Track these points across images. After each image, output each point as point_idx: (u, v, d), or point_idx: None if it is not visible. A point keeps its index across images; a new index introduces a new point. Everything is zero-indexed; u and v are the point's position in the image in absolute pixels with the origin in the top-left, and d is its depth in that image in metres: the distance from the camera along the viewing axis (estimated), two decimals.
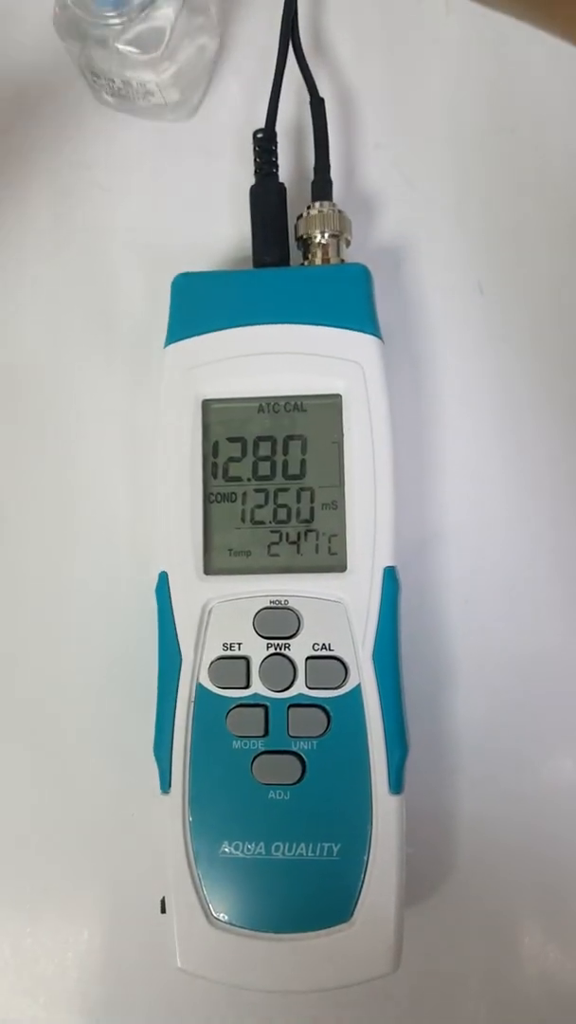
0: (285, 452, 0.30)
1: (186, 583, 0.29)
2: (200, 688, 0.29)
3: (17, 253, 0.36)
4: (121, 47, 0.32)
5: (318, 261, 0.32)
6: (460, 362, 0.34)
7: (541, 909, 0.31)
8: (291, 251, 0.33)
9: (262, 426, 0.30)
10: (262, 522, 0.30)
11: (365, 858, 0.28)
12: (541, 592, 0.33)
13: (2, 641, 0.34)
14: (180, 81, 0.34)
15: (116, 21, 0.31)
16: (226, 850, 0.28)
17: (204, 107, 0.36)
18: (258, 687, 0.29)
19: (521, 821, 0.32)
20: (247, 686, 0.29)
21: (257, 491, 0.30)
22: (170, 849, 0.28)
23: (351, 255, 0.33)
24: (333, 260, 0.32)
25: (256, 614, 0.29)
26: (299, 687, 0.29)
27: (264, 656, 0.29)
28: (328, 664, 0.29)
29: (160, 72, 0.32)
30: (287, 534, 0.30)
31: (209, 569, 0.30)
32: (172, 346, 0.31)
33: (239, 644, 0.29)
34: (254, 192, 0.33)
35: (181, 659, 0.29)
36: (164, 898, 0.28)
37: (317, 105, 0.34)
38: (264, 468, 0.30)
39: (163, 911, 0.28)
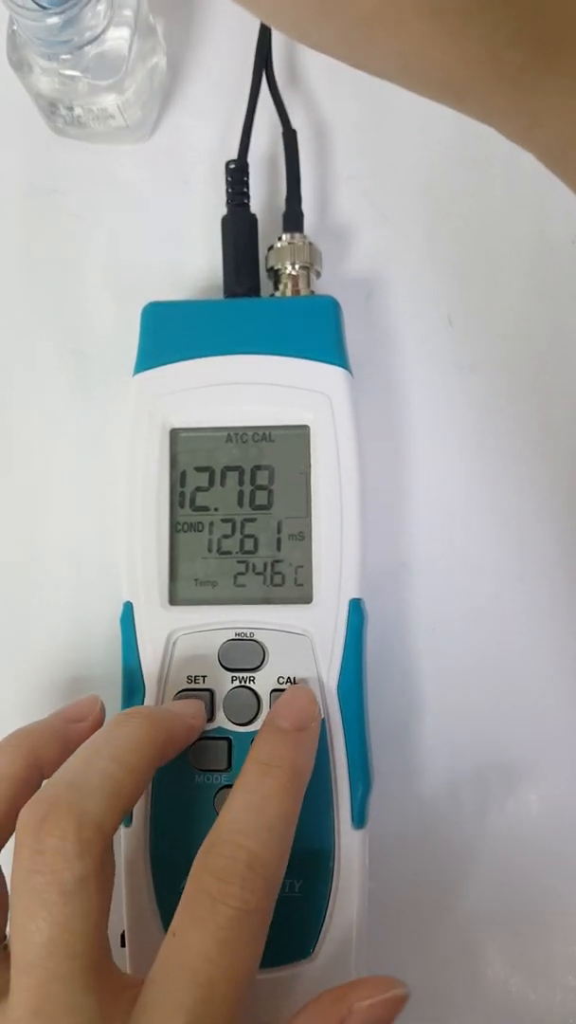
0: (253, 482, 0.30)
1: (151, 613, 0.29)
2: None
3: None
4: (82, 75, 0.32)
5: (288, 292, 0.32)
6: (429, 394, 0.34)
7: (506, 942, 0.31)
8: (261, 282, 0.33)
9: (230, 456, 0.30)
10: (229, 552, 0.30)
11: (327, 894, 0.28)
12: (507, 622, 0.33)
13: None
14: (140, 99, 0.34)
15: (69, 54, 0.31)
16: None
17: (176, 136, 0.36)
18: (222, 720, 0.29)
19: (486, 853, 0.32)
20: (211, 719, 0.29)
21: (224, 521, 0.30)
22: (130, 883, 0.28)
23: (321, 286, 0.33)
24: (303, 291, 0.32)
25: (221, 646, 0.29)
26: (263, 720, 0.28)
27: (228, 689, 0.29)
28: None
29: (123, 93, 0.32)
30: (253, 565, 0.30)
31: (174, 599, 0.30)
32: (141, 375, 0.31)
33: (203, 677, 0.29)
34: (226, 222, 0.33)
35: (145, 691, 0.29)
36: (124, 932, 0.28)
37: (289, 136, 0.34)
38: (231, 498, 0.30)
39: (123, 945, 0.28)
